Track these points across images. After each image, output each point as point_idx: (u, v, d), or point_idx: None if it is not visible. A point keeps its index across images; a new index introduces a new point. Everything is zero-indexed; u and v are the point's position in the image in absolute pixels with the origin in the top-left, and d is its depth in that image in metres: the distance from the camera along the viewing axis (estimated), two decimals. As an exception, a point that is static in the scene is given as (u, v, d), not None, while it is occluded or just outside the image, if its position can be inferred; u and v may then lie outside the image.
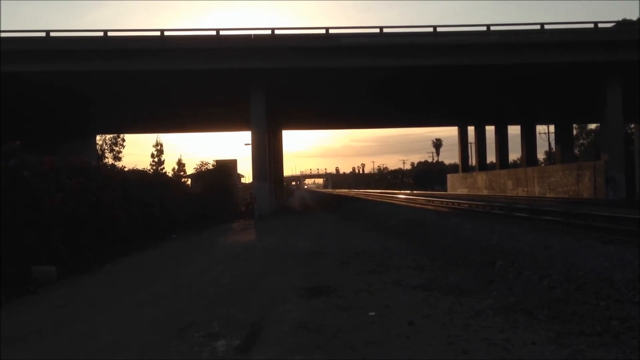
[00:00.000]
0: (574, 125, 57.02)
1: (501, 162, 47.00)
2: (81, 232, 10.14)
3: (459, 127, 52.57)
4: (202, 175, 28.04)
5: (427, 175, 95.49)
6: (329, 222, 21.35)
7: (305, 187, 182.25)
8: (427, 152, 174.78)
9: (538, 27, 25.95)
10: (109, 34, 24.90)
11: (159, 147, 65.79)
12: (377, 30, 25.81)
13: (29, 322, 5.73)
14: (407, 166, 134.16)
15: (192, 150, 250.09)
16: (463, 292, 6.49)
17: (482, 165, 50.10)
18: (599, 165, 29.68)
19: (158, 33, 24.96)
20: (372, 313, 5.64)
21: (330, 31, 25.71)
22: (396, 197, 41.46)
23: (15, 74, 23.68)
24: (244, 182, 51.20)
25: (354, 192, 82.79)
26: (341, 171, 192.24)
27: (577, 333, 4.68)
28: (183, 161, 70.45)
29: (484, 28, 25.82)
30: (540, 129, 58.69)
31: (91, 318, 5.85)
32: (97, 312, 6.17)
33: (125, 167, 18.93)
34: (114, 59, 24.57)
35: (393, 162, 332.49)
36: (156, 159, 65.33)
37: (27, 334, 5.24)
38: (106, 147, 57.36)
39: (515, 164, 63.02)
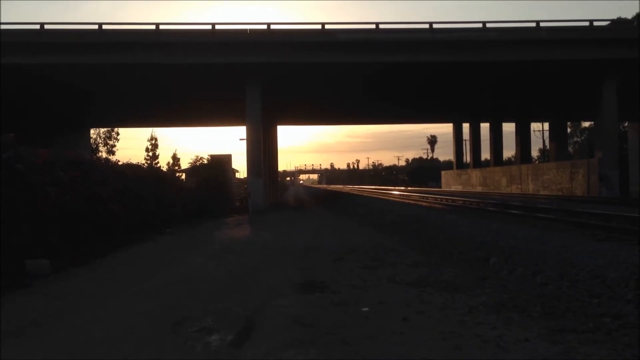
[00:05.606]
0: (568, 122, 57.20)
1: (495, 159, 47.15)
2: (76, 226, 10.10)
3: (453, 124, 52.66)
4: (196, 169, 27.97)
5: (422, 171, 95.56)
6: (323, 217, 21.36)
7: (300, 182, 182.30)
8: (422, 149, 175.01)
9: (533, 24, 26.00)
10: (104, 27, 24.75)
11: (153, 142, 65.69)
12: (374, 26, 25.75)
13: (23, 316, 5.71)
14: (402, 162, 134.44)
15: (187, 144, 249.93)
16: (457, 289, 6.52)
17: (477, 162, 50.22)
18: (593, 163, 29.80)
19: (153, 27, 24.83)
20: (367, 309, 5.66)
21: (326, 26, 25.63)
22: (390, 194, 41.53)
23: (10, 67, 23.52)
24: (238, 177, 51.23)
25: (349, 188, 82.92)
26: (336, 167, 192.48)
27: (570, 330, 4.71)
28: (178, 156, 70.40)
29: (480, 25, 25.84)
30: (535, 126, 58.86)
31: (86, 312, 5.84)
32: (92, 306, 6.16)
33: (119, 161, 18.89)
34: (109, 52, 24.43)
35: (388, 159, 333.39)
36: (150, 154, 65.20)
37: (23, 327, 5.22)
38: (100, 141, 57.11)
39: (509, 161, 63.20)
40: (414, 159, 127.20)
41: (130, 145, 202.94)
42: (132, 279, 7.88)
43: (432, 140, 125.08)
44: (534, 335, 4.61)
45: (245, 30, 25.67)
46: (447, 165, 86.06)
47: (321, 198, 45.59)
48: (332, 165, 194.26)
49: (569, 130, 61.04)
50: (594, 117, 31.78)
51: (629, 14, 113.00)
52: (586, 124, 69.30)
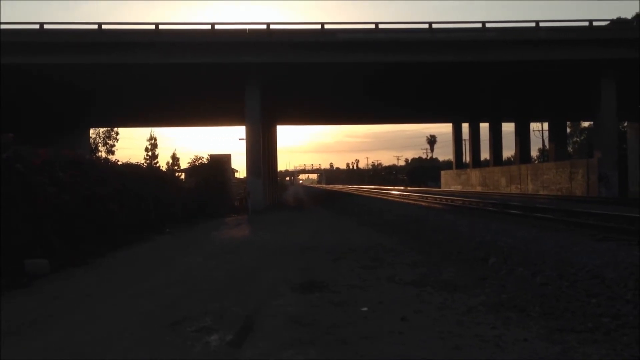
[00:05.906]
0: (568, 122, 57.23)
1: (495, 159, 47.16)
2: (76, 226, 10.10)
3: (453, 124, 52.66)
4: (196, 169, 27.97)
5: (421, 171, 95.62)
6: (323, 217, 21.36)
7: (300, 182, 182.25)
8: (422, 149, 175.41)
9: (533, 24, 26.01)
10: (104, 27, 24.75)
11: (153, 141, 65.79)
12: (373, 26, 25.74)
13: (23, 315, 5.71)
14: (401, 162, 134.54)
15: (186, 144, 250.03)
16: (456, 288, 6.52)
17: (476, 162, 50.25)
18: (592, 163, 29.81)
19: (153, 26, 24.82)
20: (366, 308, 5.66)
21: (326, 26, 25.62)
22: (390, 194, 41.56)
23: (10, 67, 23.50)
24: (237, 177, 51.25)
25: (348, 187, 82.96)
26: (335, 167, 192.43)
27: (569, 330, 4.71)
28: (177, 155, 70.53)
29: (480, 25, 25.84)
30: (534, 126, 58.94)
31: (85, 312, 5.84)
32: (92, 305, 6.16)
33: (118, 160, 18.91)
34: (109, 52, 24.42)
35: (387, 158, 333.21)
36: (150, 153, 65.32)
37: (23, 327, 5.22)
38: (99, 141, 57.13)
39: (509, 161, 63.22)
40: (413, 159, 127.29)
41: (129, 145, 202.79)
42: (132, 279, 7.89)
43: (432, 140, 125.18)
44: (533, 335, 4.61)
45: (245, 30, 25.66)
46: (447, 165, 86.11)
47: (320, 198, 45.60)
48: (331, 165, 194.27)
49: (568, 130, 61.06)
50: (593, 117, 31.78)
51: (628, 14, 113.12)
52: (585, 124, 69.36)
